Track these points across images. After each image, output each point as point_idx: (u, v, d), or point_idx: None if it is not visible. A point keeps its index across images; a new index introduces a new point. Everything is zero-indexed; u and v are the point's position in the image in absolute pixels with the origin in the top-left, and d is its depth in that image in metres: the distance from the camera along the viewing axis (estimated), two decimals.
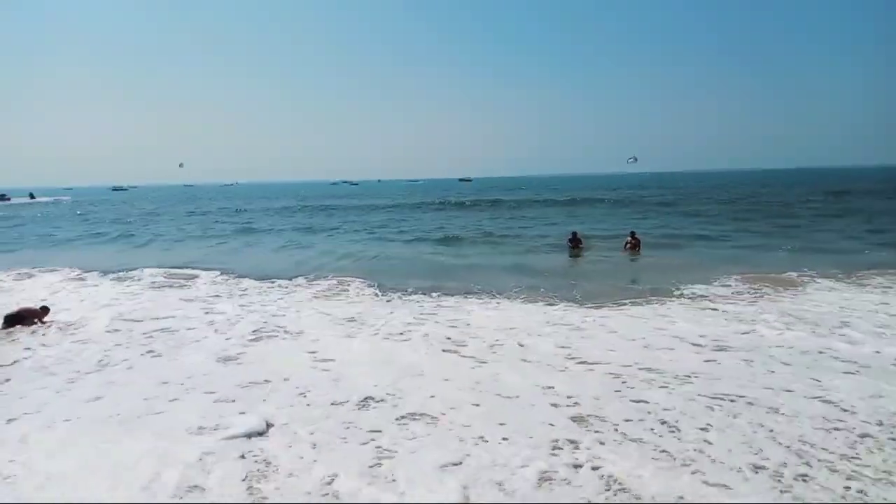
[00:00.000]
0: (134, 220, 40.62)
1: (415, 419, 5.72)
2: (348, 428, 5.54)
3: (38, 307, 10.77)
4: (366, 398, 6.26)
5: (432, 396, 6.30)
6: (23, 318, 10.36)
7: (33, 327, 10.17)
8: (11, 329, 10.03)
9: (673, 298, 11.22)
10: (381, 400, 6.23)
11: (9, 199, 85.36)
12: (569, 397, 6.19)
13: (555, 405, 6.00)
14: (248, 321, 10.09)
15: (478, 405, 6.05)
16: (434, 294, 12.16)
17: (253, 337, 9.07)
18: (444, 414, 5.82)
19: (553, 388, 6.49)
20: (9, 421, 5.98)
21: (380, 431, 5.44)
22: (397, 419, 5.71)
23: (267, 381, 6.90)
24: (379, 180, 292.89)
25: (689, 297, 11.28)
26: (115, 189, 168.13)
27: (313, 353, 8.10)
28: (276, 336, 9.11)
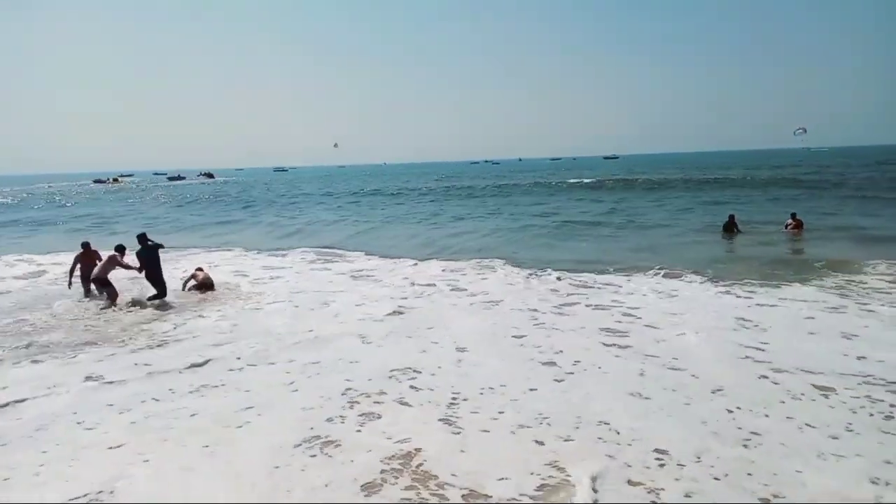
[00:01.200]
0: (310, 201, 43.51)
1: None
2: None
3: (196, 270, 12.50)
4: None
5: None
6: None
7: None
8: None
9: None
10: None
11: (184, 178, 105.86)
12: None
13: None
14: None
15: None
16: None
17: None
18: None
19: None
20: None
21: None
22: None
23: None
24: (520, 159, 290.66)
25: None
26: (277, 170, 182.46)
27: None
28: None
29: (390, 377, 6.70)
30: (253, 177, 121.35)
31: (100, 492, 4.44)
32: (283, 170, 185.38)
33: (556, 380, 6.49)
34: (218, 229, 26.30)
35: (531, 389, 6.21)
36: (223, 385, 6.64)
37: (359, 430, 5.38)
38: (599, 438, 5.06)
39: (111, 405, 6.11)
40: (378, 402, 5.98)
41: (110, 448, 5.13)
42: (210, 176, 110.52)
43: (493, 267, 13.83)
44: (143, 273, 11.14)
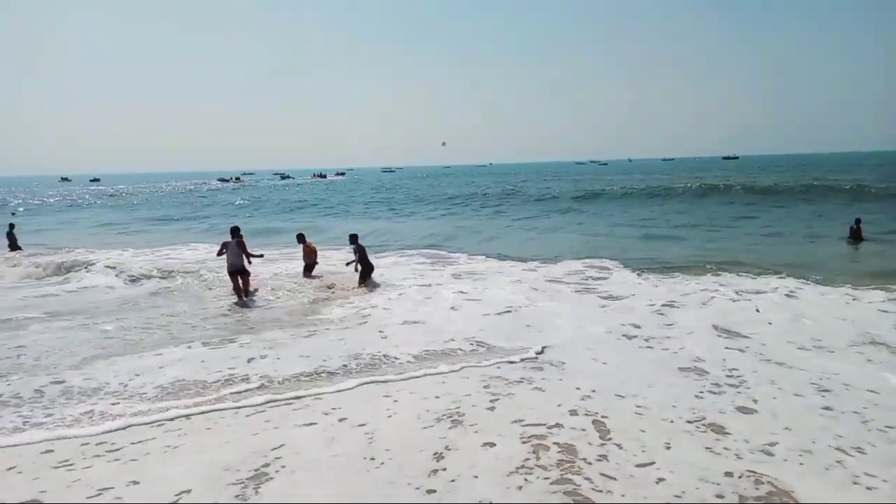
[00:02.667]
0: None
1: None
2: None
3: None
4: None
5: None
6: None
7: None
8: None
9: None
10: None
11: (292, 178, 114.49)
12: None
13: None
14: None
15: None
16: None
17: None
18: None
19: None
20: None
21: None
22: None
23: None
24: (630, 159, 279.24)
25: None
26: (385, 171, 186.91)
27: None
28: None
29: None
30: (363, 176, 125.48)
31: None
32: (391, 170, 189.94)
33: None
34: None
35: None
36: None
37: None
38: None
39: None
40: None
41: None
42: (322, 176, 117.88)
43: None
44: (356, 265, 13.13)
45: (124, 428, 5.78)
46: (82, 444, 5.45)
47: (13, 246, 21.38)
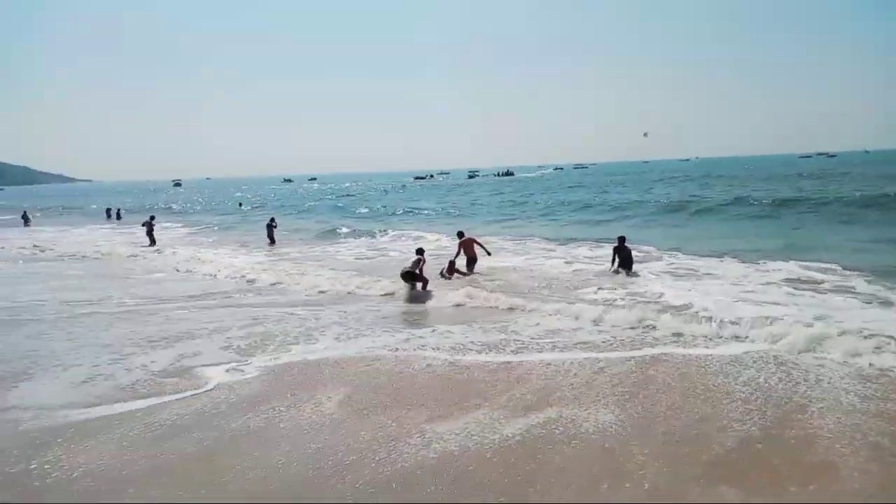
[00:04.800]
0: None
1: None
2: None
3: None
4: None
5: None
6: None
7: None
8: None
9: None
10: None
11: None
12: None
13: None
14: None
15: None
16: None
17: None
18: None
19: None
20: None
21: None
22: None
23: None
24: (867, 150, 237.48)
25: None
26: (577, 167, 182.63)
27: None
28: None
29: None
30: (560, 174, 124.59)
31: None
32: (583, 167, 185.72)
33: None
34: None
35: None
36: None
37: None
38: None
39: None
40: None
41: None
42: (510, 174, 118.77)
43: None
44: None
45: None
46: None
47: (272, 240, 23.52)
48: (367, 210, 45.47)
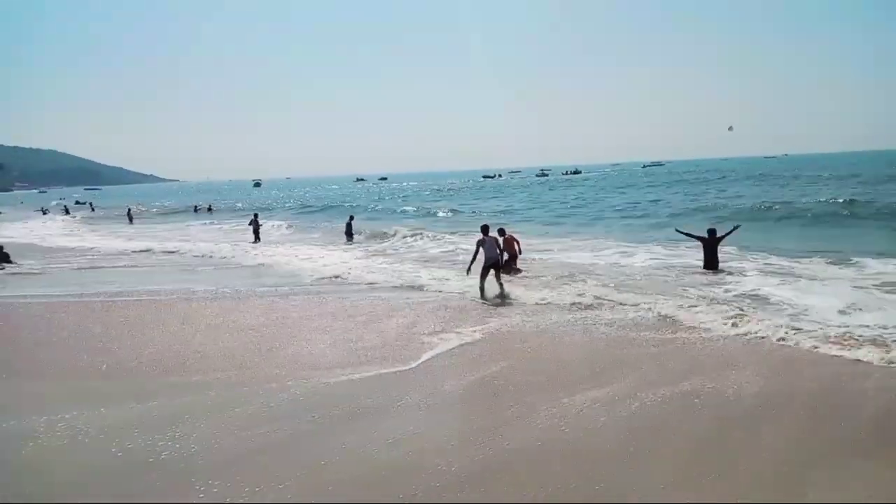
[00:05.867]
0: None
1: None
2: None
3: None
4: None
5: None
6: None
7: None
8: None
9: None
10: None
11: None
12: None
13: None
14: None
15: None
16: None
17: None
18: None
19: None
20: None
21: None
22: None
23: None
24: None
25: None
26: (650, 165, 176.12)
27: None
28: None
29: None
30: (625, 172, 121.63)
31: None
32: (660, 164, 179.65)
33: None
34: None
35: None
36: None
37: None
38: None
39: None
40: None
41: None
42: (577, 172, 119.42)
43: None
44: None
45: None
46: None
47: (349, 235, 25.02)
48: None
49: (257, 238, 25.64)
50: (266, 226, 31.76)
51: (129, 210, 47.12)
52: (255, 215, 27.46)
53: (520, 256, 15.32)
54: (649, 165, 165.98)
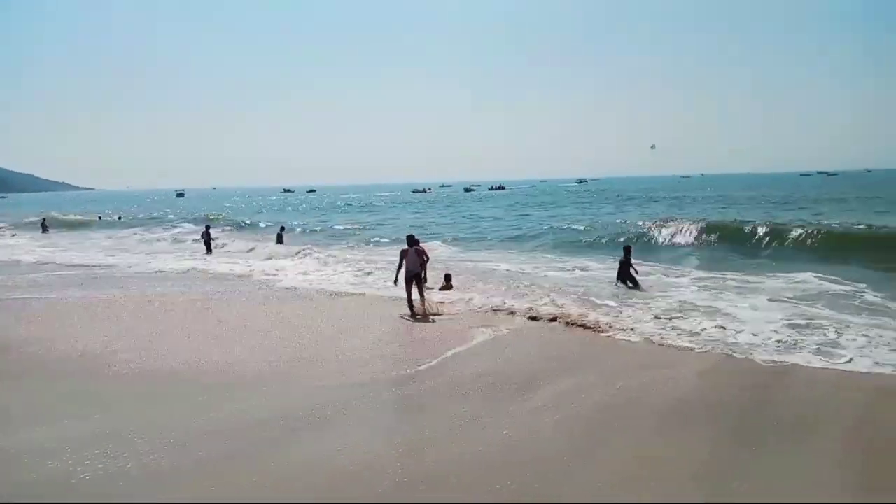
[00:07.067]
0: None
1: None
2: None
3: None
4: None
5: None
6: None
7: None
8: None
9: None
10: None
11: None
12: None
13: None
14: None
15: None
16: None
17: None
18: None
19: None
20: None
21: None
22: None
23: None
24: (868, 170, 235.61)
25: None
26: (579, 182, 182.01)
27: None
28: None
29: None
30: (552, 188, 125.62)
31: None
32: (584, 181, 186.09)
33: None
34: None
35: None
36: None
37: None
38: None
39: None
40: None
41: None
42: (502, 188, 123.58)
43: None
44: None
45: None
46: None
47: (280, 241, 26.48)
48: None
49: (209, 250, 25.50)
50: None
51: (44, 220, 43.52)
52: (207, 227, 27.00)
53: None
54: (578, 182, 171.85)
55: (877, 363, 8.12)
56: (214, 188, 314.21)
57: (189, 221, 45.37)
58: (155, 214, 56.93)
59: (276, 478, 5.16)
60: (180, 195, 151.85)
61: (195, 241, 29.04)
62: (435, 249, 20.80)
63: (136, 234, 37.58)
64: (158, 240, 33.72)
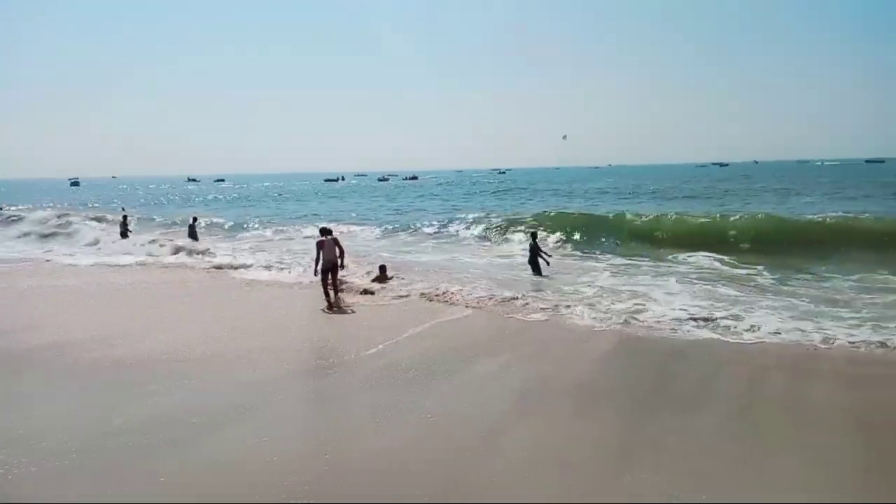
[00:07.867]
0: None
1: None
2: None
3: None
4: None
5: None
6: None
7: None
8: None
9: None
10: None
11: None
12: None
13: None
14: None
15: None
16: None
17: None
18: None
19: None
20: None
21: None
22: None
23: None
24: (756, 161, 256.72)
25: None
26: (500, 172, 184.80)
27: None
28: None
29: None
30: (465, 179, 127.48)
31: None
32: (503, 172, 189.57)
33: None
34: None
35: None
36: None
37: None
38: None
39: None
40: None
41: None
42: (415, 178, 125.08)
43: None
44: None
45: None
46: None
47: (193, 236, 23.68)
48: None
49: (125, 237, 25.29)
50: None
51: None
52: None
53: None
54: (499, 172, 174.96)
55: (769, 334, 8.99)
56: (114, 177, 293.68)
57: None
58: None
59: (192, 474, 5.03)
60: (75, 184, 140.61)
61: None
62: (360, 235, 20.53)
63: None
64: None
